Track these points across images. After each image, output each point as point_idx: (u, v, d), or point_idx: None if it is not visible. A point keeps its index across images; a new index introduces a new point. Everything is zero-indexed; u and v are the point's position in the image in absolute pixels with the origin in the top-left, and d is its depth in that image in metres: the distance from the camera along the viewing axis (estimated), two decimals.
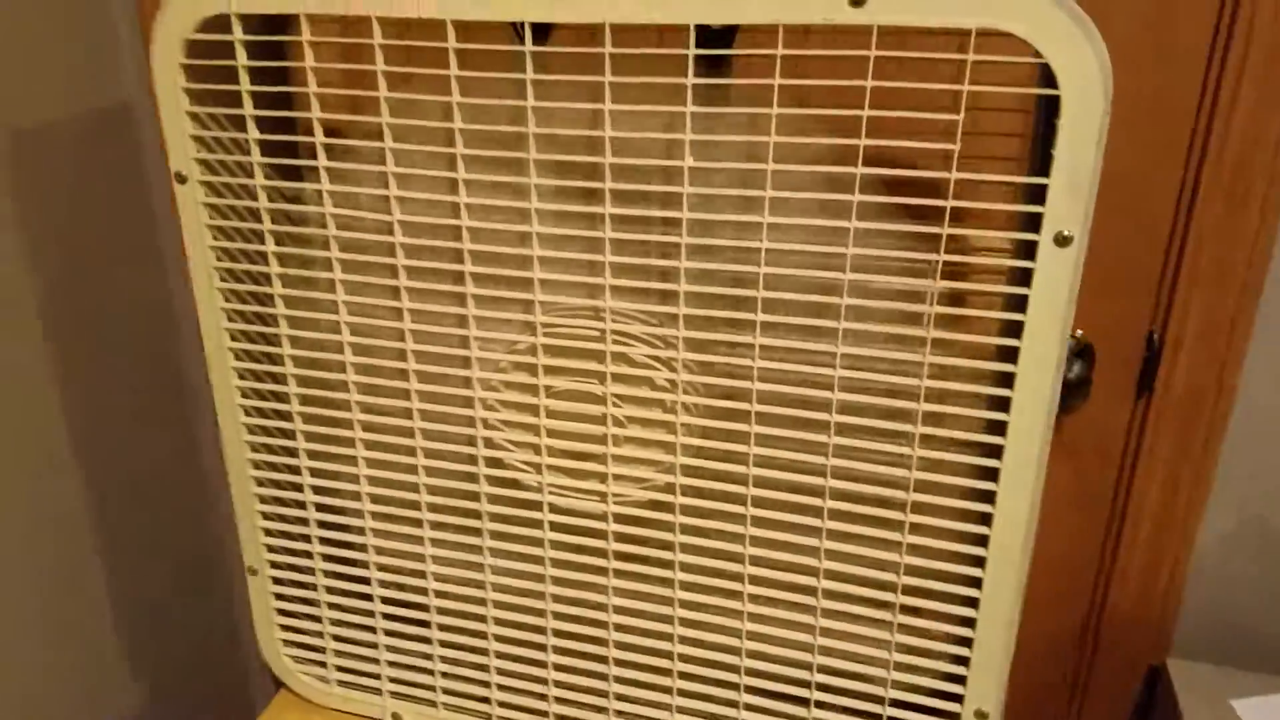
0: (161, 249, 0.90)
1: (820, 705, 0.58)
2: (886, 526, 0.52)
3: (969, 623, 0.53)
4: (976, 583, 0.52)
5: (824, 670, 0.56)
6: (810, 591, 0.55)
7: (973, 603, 0.52)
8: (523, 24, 0.48)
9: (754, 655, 0.58)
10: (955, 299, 0.48)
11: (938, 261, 0.46)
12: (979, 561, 0.51)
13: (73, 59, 0.79)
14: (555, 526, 0.58)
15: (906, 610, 0.54)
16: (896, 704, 0.56)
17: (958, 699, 0.55)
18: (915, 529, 0.52)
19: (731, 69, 0.49)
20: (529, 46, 0.48)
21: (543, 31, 0.49)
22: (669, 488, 0.55)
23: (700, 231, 0.50)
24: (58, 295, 0.79)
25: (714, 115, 0.49)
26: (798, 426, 0.52)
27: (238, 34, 0.52)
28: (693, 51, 0.46)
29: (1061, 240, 0.44)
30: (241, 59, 0.53)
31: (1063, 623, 0.86)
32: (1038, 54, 0.42)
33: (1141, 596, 0.80)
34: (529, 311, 0.54)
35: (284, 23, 0.53)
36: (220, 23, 0.52)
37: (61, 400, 0.81)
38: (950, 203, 0.45)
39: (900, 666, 0.55)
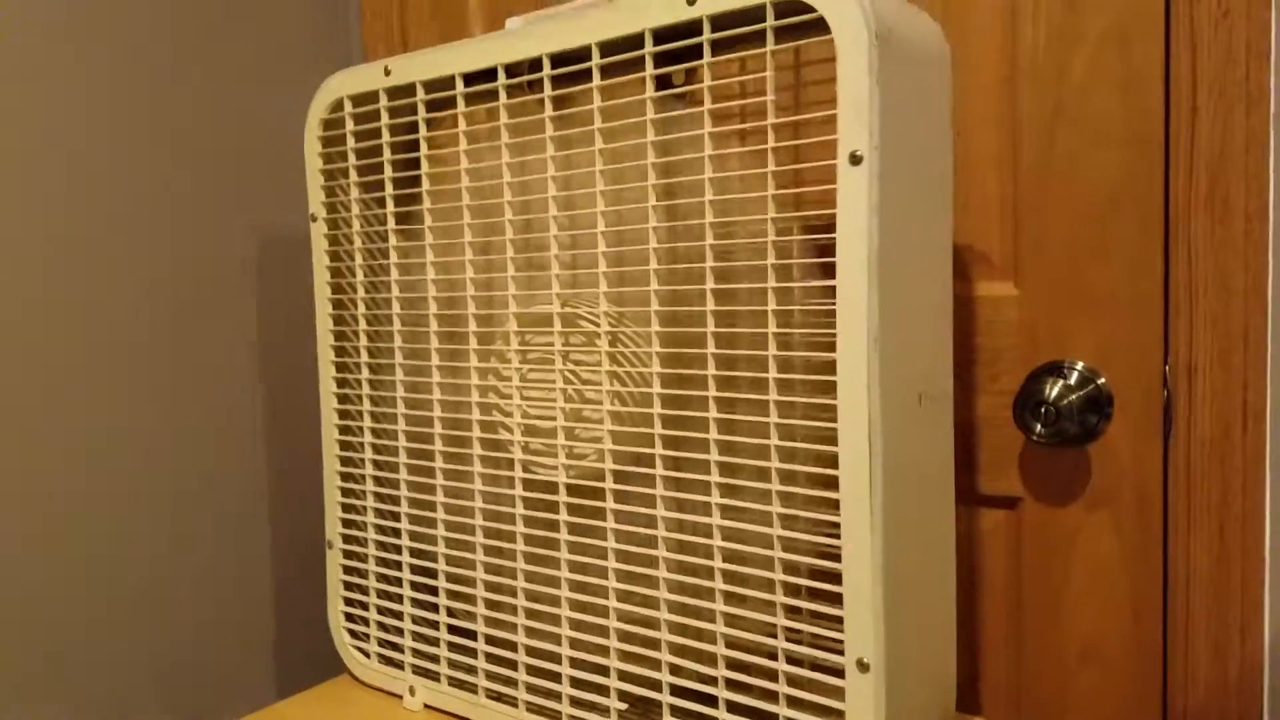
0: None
1: (730, 671, 0.58)
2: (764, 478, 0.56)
3: (837, 568, 0.53)
4: (834, 527, 0.53)
5: (731, 646, 0.58)
6: (710, 557, 0.58)
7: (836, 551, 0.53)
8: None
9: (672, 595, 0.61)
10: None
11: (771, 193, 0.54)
12: (834, 505, 0.53)
13: None
14: (529, 485, 0.68)
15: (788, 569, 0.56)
16: (792, 660, 0.56)
17: (840, 650, 0.54)
18: (786, 479, 0.55)
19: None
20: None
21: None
22: (615, 458, 0.63)
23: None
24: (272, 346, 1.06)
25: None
26: (687, 385, 0.59)
27: (349, 109, 0.76)
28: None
29: (855, 159, 0.51)
30: (350, 126, 0.76)
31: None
32: (813, 9, 0.51)
33: (1216, 680, 0.68)
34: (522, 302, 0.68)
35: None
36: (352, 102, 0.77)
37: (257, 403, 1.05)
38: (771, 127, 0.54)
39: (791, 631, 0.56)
